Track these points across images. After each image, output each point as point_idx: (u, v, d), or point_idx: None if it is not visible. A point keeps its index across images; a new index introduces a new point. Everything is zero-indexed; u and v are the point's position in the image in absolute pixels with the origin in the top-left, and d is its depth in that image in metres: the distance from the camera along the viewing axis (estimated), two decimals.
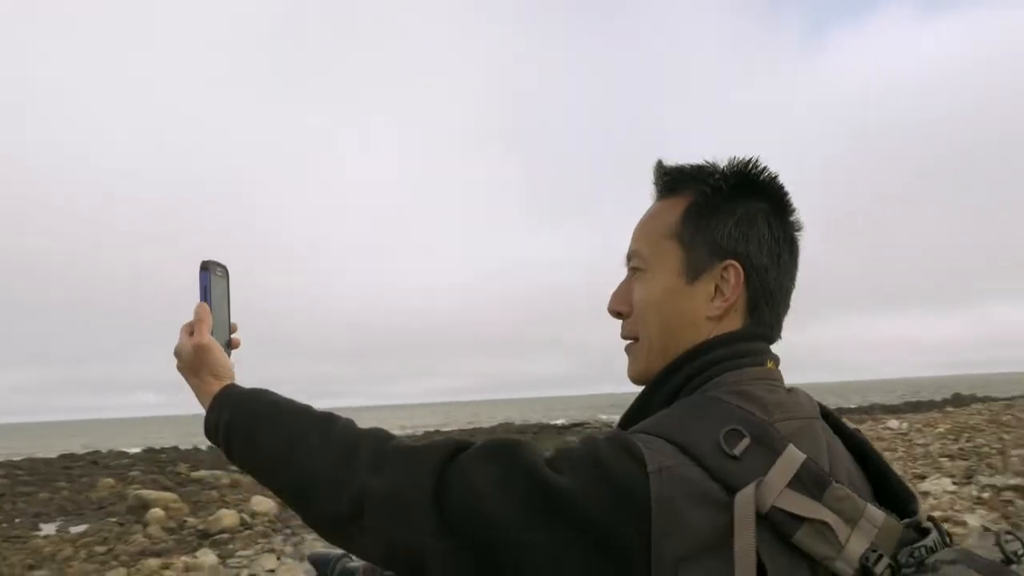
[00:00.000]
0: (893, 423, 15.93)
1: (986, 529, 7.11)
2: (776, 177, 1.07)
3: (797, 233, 1.09)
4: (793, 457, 0.87)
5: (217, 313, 1.19)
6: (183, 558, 9.31)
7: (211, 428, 1.11)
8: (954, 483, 9.23)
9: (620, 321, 1.12)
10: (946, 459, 10.80)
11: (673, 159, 1.12)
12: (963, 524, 7.46)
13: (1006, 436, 13.37)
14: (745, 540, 0.83)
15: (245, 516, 12.11)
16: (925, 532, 0.89)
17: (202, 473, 19.14)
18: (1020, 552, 0.91)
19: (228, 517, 11.76)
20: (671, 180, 1.11)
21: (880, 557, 0.85)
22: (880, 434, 14.20)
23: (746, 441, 0.88)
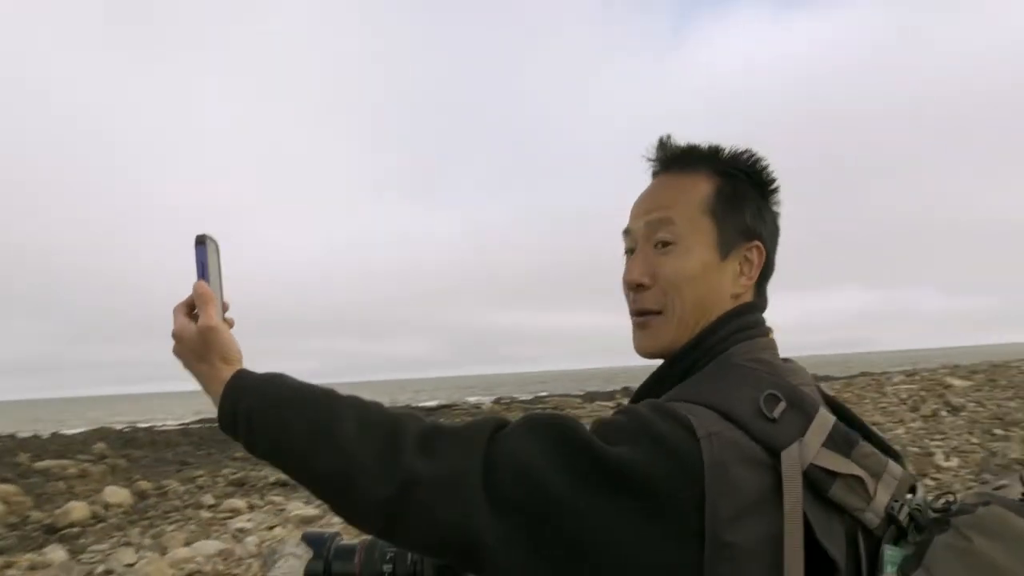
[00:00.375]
0: None
1: None
2: (769, 166, 1.15)
3: (779, 220, 1.17)
4: (826, 418, 0.95)
5: (213, 291, 1.09)
6: (28, 556, 8.59)
7: (227, 417, 1.02)
8: None
9: (634, 295, 1.12)
10: None
11: (674, 137, 1.17)
12: None
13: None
14: (793, 495, 0.89)
15: (97, 508, 11.34)
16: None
17: (47, 463, 17.73)
18: None
19: (78, 510, 10.95)
20: (686, 157, 1.15)
21: (902, 506, 0.94)
22: None
23: (783, 405, 0.95)
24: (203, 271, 1.08)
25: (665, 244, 1.10)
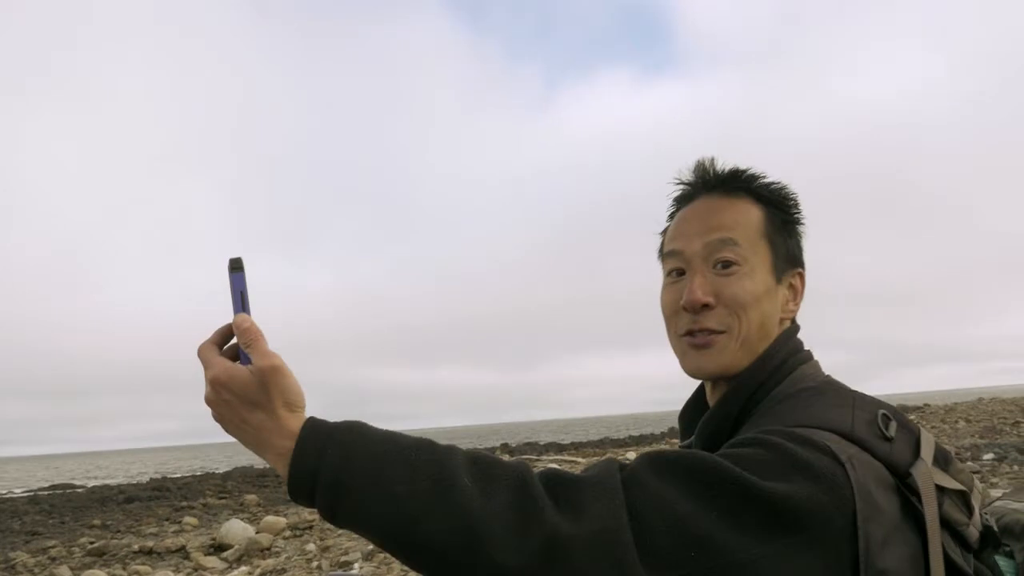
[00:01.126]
0: (631, 454, 17.20)
1: None
2: (798, 200, 1.17)
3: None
4: (929, 437, 0.96)
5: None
6: None
7: (305, 477, 0.84)
8: None
9: (693, 315, 1.10)
10: None
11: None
12: None
13: None
14: (932, 512, 0.90)
15: None
16: None
17: None
18: None
19: None
20: (732, 181, 1.15)
21: (990, 517, 0.98)
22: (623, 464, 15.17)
23: (895, 424, 0.95)
24: (242, 302, 0.89)
25: (728, 264, 1.09)
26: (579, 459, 22.10)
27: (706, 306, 1.08)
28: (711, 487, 0.83)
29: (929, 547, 0.88)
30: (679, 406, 1.16)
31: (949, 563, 0.90)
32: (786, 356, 1.07)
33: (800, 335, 1.15)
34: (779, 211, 1.14)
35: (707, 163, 1.17)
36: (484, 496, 0.80)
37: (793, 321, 1.15)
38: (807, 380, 1.05)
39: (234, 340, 0.92)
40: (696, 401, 1.19)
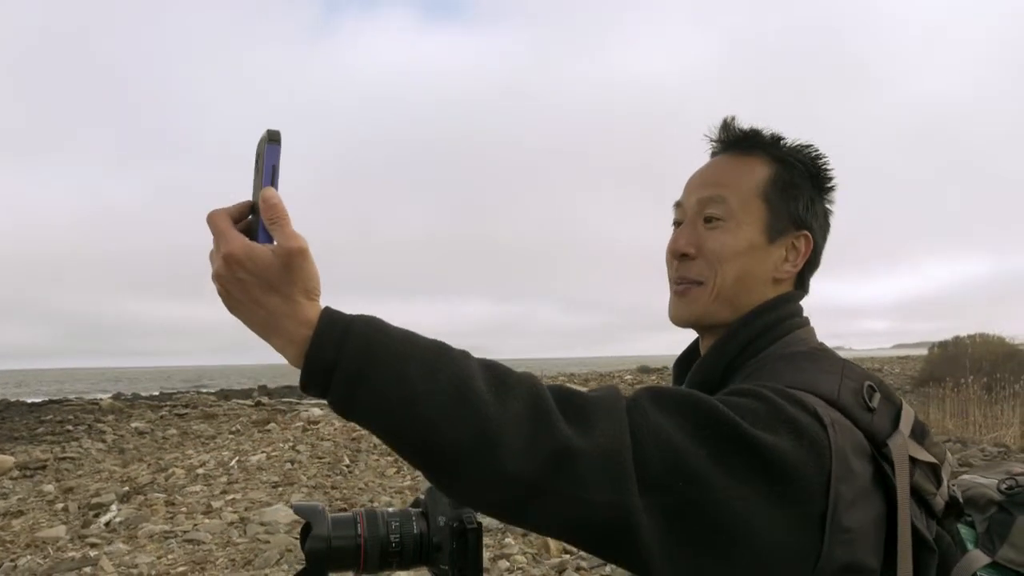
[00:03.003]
0: None
1: None
2: (830, 164, 1.18)
3: (831, 218, 1.21)
4: (909, 411, 1.03)
5: None
6: None
7: (322, 367, 0.80)
8: None
9: (678, 264, 1.15)
10: None
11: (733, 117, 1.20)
12: None
13: None
14: (903, 482, 0.96)
15: None
16: None
17: None
18: None
19: None
20: (748, 140, 1.18)
21: (956, 489, 1.06)
22: None
23: (878, 396, 1.00)
24: (272, 177, 0.82)
25: (712, 219, 1.13)
26: None
27: (686, 256, 1.14)
28: (706, 427, 0.87)
29: (899, 514, 0.96)
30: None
31: (912, 528, 0.98)
32: (781, 318, 1.12)
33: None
34: (795, 172, 1.16)
35: (728, 121, 1.20)
36: (499, 404, 0.81)
37: (801, 285, 1.18)
38: (800, 344, 1.10)
39: (249, 218, 0.86)
40: (691, 352, 1.25)
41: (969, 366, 16.56)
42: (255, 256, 0.80)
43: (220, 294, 0.84)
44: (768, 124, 1.19)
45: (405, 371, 0.80)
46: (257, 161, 0.84)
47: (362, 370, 0.80)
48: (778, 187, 1.14)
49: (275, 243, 0.82)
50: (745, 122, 1.20)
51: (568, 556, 5.85)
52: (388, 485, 9.00)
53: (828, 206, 1.20)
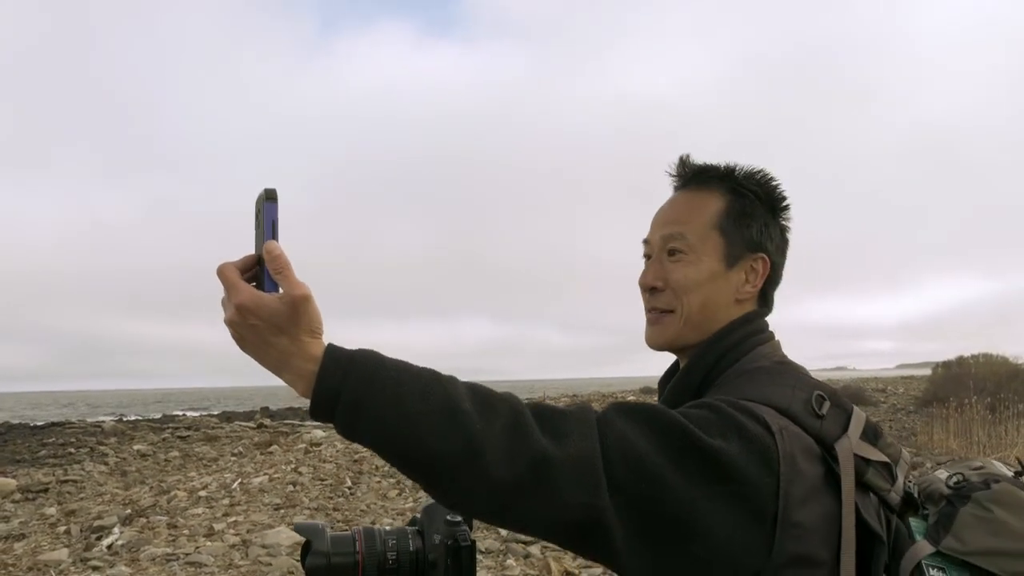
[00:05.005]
0: None
1: None
2: (781, 186, 1.31)
3: (789, 235, 1.33)
4: (860, 414, 1.15)
5: None
6: None
7: (327, 397, 0.92)
8: None
9: (649, 296, 1.28)
10: None
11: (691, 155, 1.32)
12: None
13: None
14: (849, 481, 1.08)
15: None
16: None
17: None
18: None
19: None
20: (702, 176, 1.31)
21: (914, 485, 1.19)
22: None
23: (827, 403, 1.12)
24: (272, 231, 0.92)
25: (675, 252, 1.26)
26: None
27: (655, 288, 1.28)
28: (664, 435, 1.00)
29: (843, 510, 1.07)
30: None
31: (862, 522, 1.09)
32: (744, 336, 1.24)
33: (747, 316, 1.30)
34: (747, 200, 1.28)
35: (684, 159, 1.34)
36: (483, 420, 0.93)
37: (764, 302, 1.31)
38: (763, 360, 1.22)
39: (253, 271, 0.97)
40: (672, 371, 1.38)
41: (973, 386, 16.54)
42: (264, 304, 0.91)
43: (234, 337, 0.95)
44: (724, 156, 1.33)
45: (400, 396, 0.92)
46: (257, 216, 0.95)
47: (361, 398, 0.92)
48: (731, 217, 1.27)
49: (281, 291, 0.93)
50: (700, 158, 1.34)
51: None
52: (390, 507, 8.99)
53: (784, 223, 1.32)
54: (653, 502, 0.96)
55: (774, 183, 1.31)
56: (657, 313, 1.28)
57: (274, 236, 0.93)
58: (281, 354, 0.93)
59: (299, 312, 0.91)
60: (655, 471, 0.96)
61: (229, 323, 0.93)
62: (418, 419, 0.91)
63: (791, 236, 1.33)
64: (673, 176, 1.35)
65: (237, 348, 0.95)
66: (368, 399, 0.91)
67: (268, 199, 0.93)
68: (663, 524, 0.98)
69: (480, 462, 0.91)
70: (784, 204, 1.31)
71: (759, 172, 1.30)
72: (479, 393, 0.96)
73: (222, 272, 0.93)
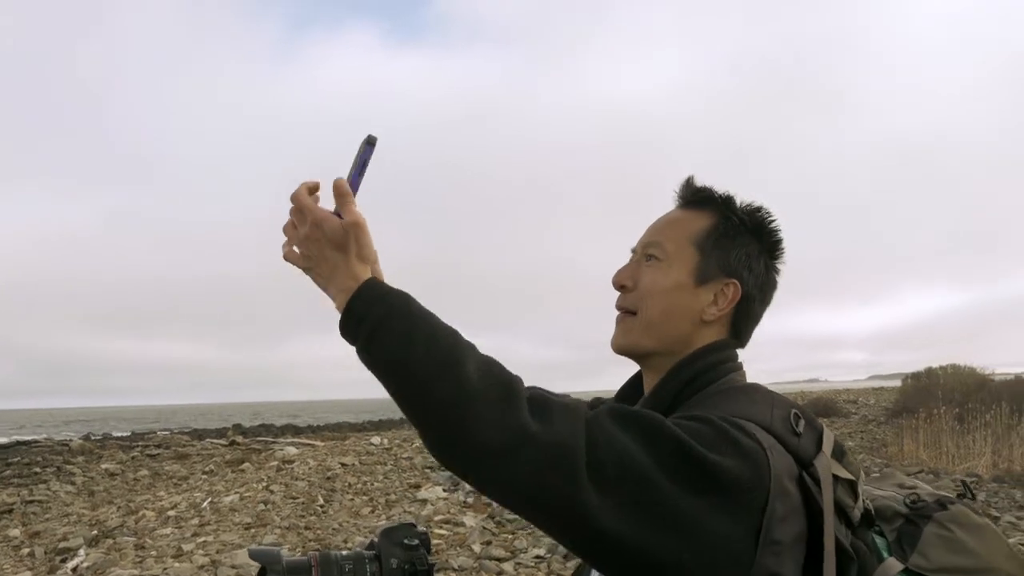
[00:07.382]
0: (376, 439, 17.13)
1: (484, 528, 8.10)
2: (778, 226, 1.31)
3: (778, 278, 1.32)
4: (830, 434, 1.17)
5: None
6: None
7: (355, 317, 1.04)
8: (444, 490, 10.30)
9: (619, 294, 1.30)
10: (430, 469, 12.02)
11: (697, 177, 1.34)
12: (462, 524, 8.40)
13: None
14: (828, 496, 1.10)
15: None
16: None
17: None
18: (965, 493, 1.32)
19: None
20: (700, 197, 1.32)
21: (867, 501, 1.21)
22: (368, 449, 15.12)
23: (803, 421, 1.14)
24: (361, 170, 1.08)
25: (653, 258, 1.28)
26: (317, 442, 21.72)
27: (624, 287, 1.30)
28: (657, 441, 1.01)
29: (825, 528, 1.09)
30: None
31: (836, 542, 1.11)
32: (718, 361, 1.25)
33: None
34: (734, 226, 1.29)
35: (689, 180, 1.36)
36: (481, 383, 0.99)
37: (736, 336, 1.30)
38: (735, 383, 1.24)
39: (316, 193, 1.11)
40: (632, 385, 1.37)
41: (941, 397, 16.75)
42: (330, 222, 1.06)
43: (301, 249, 1.10)
44: (729, 184, 1.33)
45: (412, 335, 1.01)
46: (357, 156, 1.10)
47: (378, 327, 1.02)
48: (712, 238, 1.28)
49: (343, 218, 1.07)
50: (706, 180, 1.35)
51: None
52: (362, 525, 8.90)
53: (775, 263, 1.31)
54: (644, 505, 0.98)
55: (768, 219, 1.31)
56: (622, 313, 1.30)
57: (362, 174, 1.09)
58: (332, 268, 1.07)
59: (352, 236, 1.06)
60: (645, 474, 0.98)
61: (303, 237, 1.08)
62: (420, 363, 0.99)
63: (780, 280, 1.33)
64: (676, 194, 1.37)
65: (301, 272, 1.10)
66: (382, 330, 1.01)
67: (367, 143, 1.09)
68: (653, 528, 0.99)
69: (468, 419, 0.97)
70: (775, 241, 1.31)
71: (757, 206, 1.31)
72: (487, 360, 1.03)
73: (297, 196, 1.09)
